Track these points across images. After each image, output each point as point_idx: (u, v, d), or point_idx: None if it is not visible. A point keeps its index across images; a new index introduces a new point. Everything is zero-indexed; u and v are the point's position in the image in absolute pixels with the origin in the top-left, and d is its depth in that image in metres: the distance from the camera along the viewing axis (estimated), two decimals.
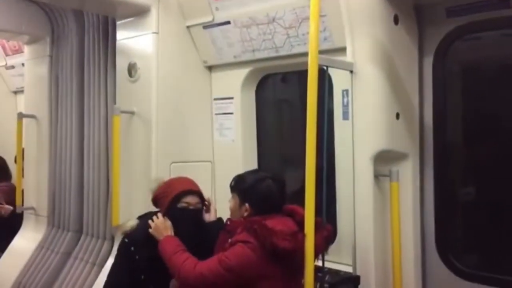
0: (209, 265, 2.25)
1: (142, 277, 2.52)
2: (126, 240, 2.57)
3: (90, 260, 3.84)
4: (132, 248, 2.53)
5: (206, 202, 2.69)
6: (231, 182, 2.52)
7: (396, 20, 2.65)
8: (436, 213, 2.79)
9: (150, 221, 2.53)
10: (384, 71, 2.59)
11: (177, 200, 2.54)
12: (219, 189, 3.48)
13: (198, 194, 2.61)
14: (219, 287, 2.24)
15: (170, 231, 2.50)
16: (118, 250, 2.64)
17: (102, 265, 3.68)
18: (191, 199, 2.56)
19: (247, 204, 2.40)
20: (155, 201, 2.63)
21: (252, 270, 2.21)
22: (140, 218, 2.69)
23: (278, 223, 2.27)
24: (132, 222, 2.64)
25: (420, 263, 2.79)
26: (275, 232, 2.19)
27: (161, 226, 2.51)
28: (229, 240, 2.37)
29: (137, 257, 2.52)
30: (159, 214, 2.55)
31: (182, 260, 2.31)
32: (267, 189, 2.38)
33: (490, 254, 2.75)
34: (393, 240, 2.61)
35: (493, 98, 2.73)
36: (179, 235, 2.51)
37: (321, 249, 2.38)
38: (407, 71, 2.74)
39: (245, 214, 2.40)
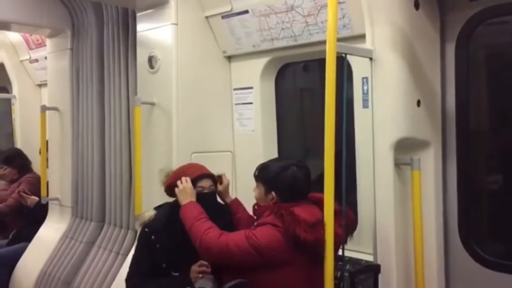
0: (236, 239, 2.24)
1: (164, 265, 2.56)
2: (147, 229, 2.61)
3: (114, 249, 3.91)
4: (153, 237, 2.57)
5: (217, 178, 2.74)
6: (255, 172, 2.53)
7: (416, 5, 2.60)
8: (459, 201, 2.75)
9: (178, 182, 2.56)
10: (404, 57, 2.55)
11: (194, 185, 2.58)
12: (239, 179, 3.50)
13: (211, 177, 2.66)
14: (241, 265, 2.24)
15: (194, 198, 2.52)
16: (138, 240, 2.69)
17: (125, 254, 3.73)
18: (205, 183, 2.62)
19: (273, 193, 2.40)
20: (170, 189, 2.65)
21: (279, 253, 2.21)
22: (157, 208, 2.73)
23: (304, 212, 2.27)
24: (150, 213, 2.69)
25: (443, 252, 2.76)
26: (299, 222, 2.19)
27: (189, 190, 2.52)
28: (255, 223, 2.38)
29: (158, 245, 2.55)
30: (188, 178, 2.57)
31: (205, 228, 2.31)
32: (292, 176, 2.39)
33: None
34: (414, 229, 2.58)
35: None
36: None
37: (342, 239, 2.37)
38: (429, 57, 2.69)
39: (272, 202, 2.41)
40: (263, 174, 2.49)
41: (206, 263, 2.47)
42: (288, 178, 2.39)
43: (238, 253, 2.22)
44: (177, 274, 2.57)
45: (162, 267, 2.56)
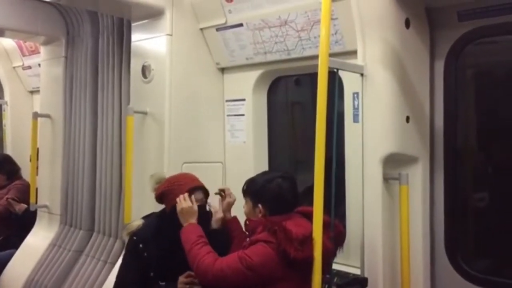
0: (229, 262, 2.24)
1: (152, 274, 2.55)
2: (135, 237, 2.60)
3: (102, 258, 3.90)
4: (141, 246, 2.56)
5: (222, 193, 2.72)
6: (243, 187, 2.54)
7: (407, 24, 2.66)
8: (445, 216, 2.79)
9: (178, 199, 2.51)
10: (394, 74, 2.60)
11: None
12: None
13: (203, 190, 2.64)
14: (237, 286, 2.23)
15: (195, 218, 2.49)
16: (126, 248, 2.68)
17: (113, 263, 3.72)
18: (197, 195, 2.60)
19: (260, 206, 2.40)
20: (161, 196, 2.64)
21: (272, 270, 2.20)
22: (144, 218, 2.73)
23: (296, 226, 2.26)
24: (138, 222, 2.68)
25: (429, 266, 2.78)
26: (291, 240, 2.17)
27: (189, 210, 2.48)
28: (247, 239, 2.38)
29: (145, 254, 2.55)
30: (186, 195, 2.53)
31: (203, 254, 2.29)
32: (277, 188, 2.40)
33: (500, 259, 2.74)
34: (402, 244, 2.60)
35: (504, 102, 2.72)
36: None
37: (331, 250, 2.38)
38: (418, 75, 2.74)
39: (260, 215, 2.40)
40: (250, 187, 2.50)
41: (193, 273, 2.46)
42: (273, 189, 2.40)
43: (232, 275, 2.21)
44: (164, 283, 2.56)
45: (149, 276, 2.55)
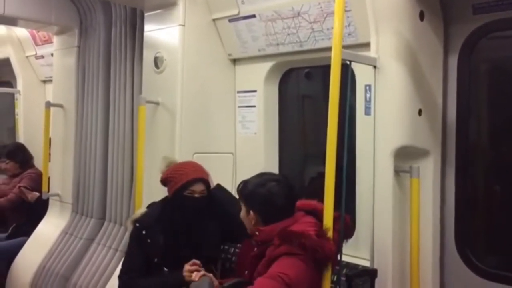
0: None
1: (156, 260, 2.60)
2: (137, 224, 2.67)
3: (113, 246, 3.94)
4: (144, 232, 2.62)
5: None
6: (238, 186, 2.46)
7: (421, 16, 2.64)
8: (456, 210, 2.78)
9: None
10: (407, 67, 2.58)
11: (185, 188, 2.61)
12: (240, 181, 3.52)
13: (205, 182, 2.68)
14: None
15: None
16: (130, 236, 2.75)
17: (124, 251, 3.76)
18: (197, 187, 2.64)
19: (251, 212, 2.32)
20: (165, 181, 2.68)
21: (305, 282, 2.13)
22: (148, 207, 2.80)
23: (308, 227, 2.24)
24: (142, 210, 2.76)
25: (439, 259, 2.78)
26: (322, 242, 2.13)
27: None
28: (255, 249, 2.34)
29: (149, 240, 2.61)
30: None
31: None
32: (268, 193, 2.28)
33: (510, 253, 2.73)
34: (411, 237, 2.60)
35: None
36: (181, 220, 2.60)
37: (338, 245, 2.37)
38: (431, 68, 2.72)
39: (253, 222, 2.33)
40: (242, 190, 2.39)
41: (198, 262, 2.49)
42: (262, 195, 2.28)
43: None
44: (168, 270, 2.60)
45: (153, 262, 2.60)
